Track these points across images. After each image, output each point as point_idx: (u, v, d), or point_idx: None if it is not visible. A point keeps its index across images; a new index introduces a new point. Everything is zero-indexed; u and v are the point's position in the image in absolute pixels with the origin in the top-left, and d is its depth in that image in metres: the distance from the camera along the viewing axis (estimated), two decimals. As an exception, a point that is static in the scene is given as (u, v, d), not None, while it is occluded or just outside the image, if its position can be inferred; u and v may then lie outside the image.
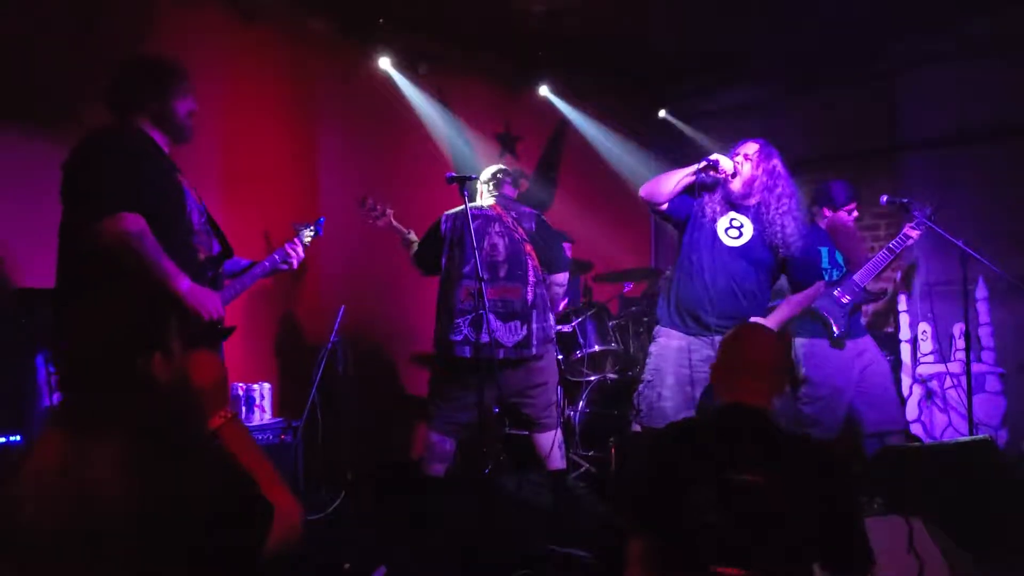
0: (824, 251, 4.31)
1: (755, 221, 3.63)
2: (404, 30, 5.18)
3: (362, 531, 3.91)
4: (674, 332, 3.66)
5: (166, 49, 4.07)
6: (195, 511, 1.44)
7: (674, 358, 3.60)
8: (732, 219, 3.64)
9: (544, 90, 6.24)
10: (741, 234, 3.62)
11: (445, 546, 3.62)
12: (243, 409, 3.96)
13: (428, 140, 5.61)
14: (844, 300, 4.15)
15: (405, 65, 5.39)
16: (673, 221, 3.77)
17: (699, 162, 3.59)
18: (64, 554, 1.39)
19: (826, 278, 4.22)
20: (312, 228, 3.59)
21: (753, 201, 3.64)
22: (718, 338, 3.63)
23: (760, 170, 3.61)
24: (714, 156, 3.58)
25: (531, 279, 3.96)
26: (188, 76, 2.99)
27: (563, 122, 6.45)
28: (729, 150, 3.70)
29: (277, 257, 3.37)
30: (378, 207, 4.29)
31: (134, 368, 1.53)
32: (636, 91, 6.42)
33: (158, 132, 2.91)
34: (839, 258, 4.32)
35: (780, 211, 3.60)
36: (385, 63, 5.31)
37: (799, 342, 4.23)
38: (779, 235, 3.59)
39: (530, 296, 3.94)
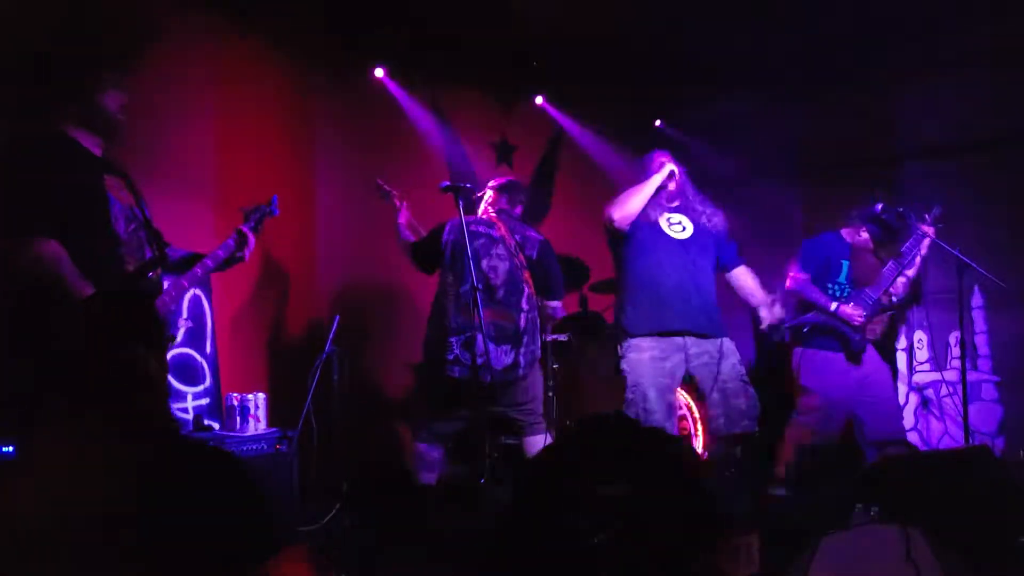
0: (845, 264, 4.30)
1: (687, 213, 3.90)
2: (400, 39, 5.18)
3: (358, 541, 3.88)
4: (644, 343, 3.73)
5: (162, 56, 4.14)
6: (189, 513, 1.41)
7: (650, 371, 3.71)
8: (669, 218, 3.88)
9: (540, 100, 6.26)
10: (684, 228, 3.88)
11: (441, 556, 3.60)
12: (238, 419, 3.93)
13: (424, 149, 5.61)
14: (859, 322, 4.13)
15: (399, 74, 5.39)
16: (623, 235, 3.89)
17: (660, 173, 3.86)
18: (57, 558, 1.37)
19: (839, 293, 4.22)
20: (265, 210, 3.26)
21: (679, 201, 3.92)
22: (690, 340, 3.72)
23: (682, 173, 3.95)
24: (670, 166, 3.87)
25: (524, 306, 3.95)
26: (119, 63, 2.76)
27: (559, 131, 6.46)
28: (647, 164, 3.98)
29: (224, 251, 3.01)
30: (389, 190, 4.32)
31: (124, 366, 1.51)
32: (632, 100, 6.42)
33: (84, 132, 2.69)
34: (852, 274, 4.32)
35: (700, 198, 3.99)
36: (380, 72, 5.32)
37: (798, 351, 4.24)
38: (708, 216, 3.93)
39: (522, 322, 3.94)
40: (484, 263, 3.93)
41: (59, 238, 2.54)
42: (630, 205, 3.81)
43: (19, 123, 2.78)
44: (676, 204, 3.92)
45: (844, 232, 4.39)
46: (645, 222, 3.84)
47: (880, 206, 4.36)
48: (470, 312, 3.77)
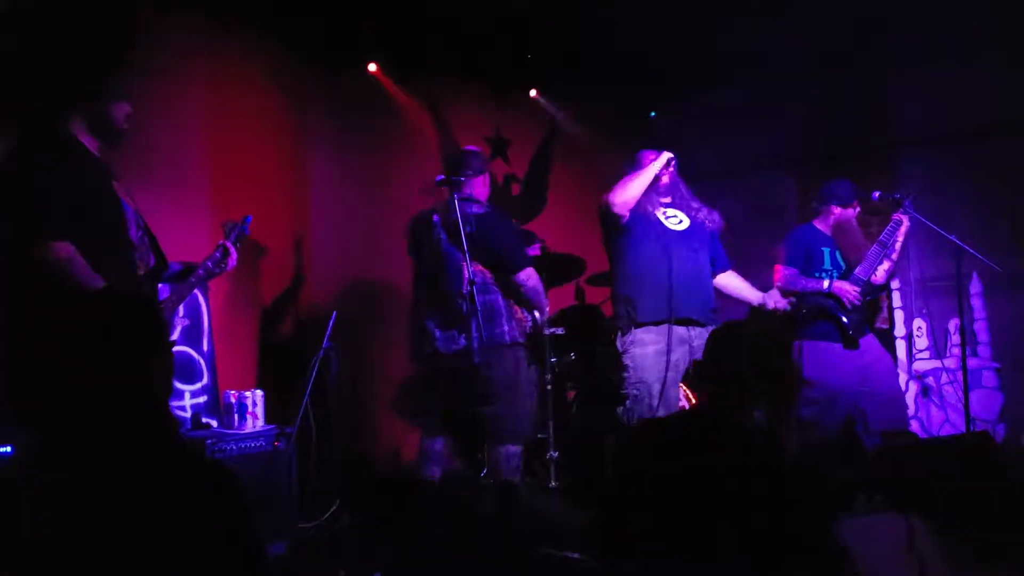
0: (826, 251, 4.33)
1: (681, 208, 3.90)
2: (393, 33, 5.16)
3: (356, 538, 3.87)
4: (648, 337, 3.69)
5: (155, 54, 4.11)
6: (181, 530, 1.40)
7: (655, 365, 3.67)
8: (665, 212, 3.87)
9: (534, 93, 6.24)
10: (681, 221, 3.87)
11: (440, 552, 3.59)
12: (236, 417, 3.91)
13: (418, 143, 5.59)
14: (853, 298, 4.14)
15: (393, 69, 5.37)
16: (621, 226, 3.84)
17: (659, 159, 3.84)
18: (48, 562, 1.35)
19: (827, 279, 4.23)
20: (240, 227, 3.32)
21: (672, 197, 3.93)
22: (694, 330, 3.69)
23: (673, 171, 3.95)
24: (667, 154, 3.87)
25: (464, 290, 3.65)
26: (127, 73, 2.78)
27: (554, 124, 6.44)
28: (637, 161, 3.95)
29: (212, 262, 3.12)
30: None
31: (132, 372, 1.50)
32: (627, 92, 6.40)
33: (91, 138, 2.69)
34: (839, 259, 4.33)
35: (693, 196, 3.99)
36: (374, 67, 5.30)
37: (798, 344, 4.23)
38: (704, 211, 3.94)
39: (464, 306, 3.67)
40: (426, 251, 3.90)
41: (73, 240, 2.53)
42: (630, 190, 3.77)
43: (29, 127, 2.76)
44: (670, 200, 3.92)
45: (816, 222, 4.44)
46: (642, 214, 3.82)
47: (877, 194, 4.37)
48: (422, 302, 3.89)
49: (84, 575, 1.35)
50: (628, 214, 3.80)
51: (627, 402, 3.70)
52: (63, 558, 1.36)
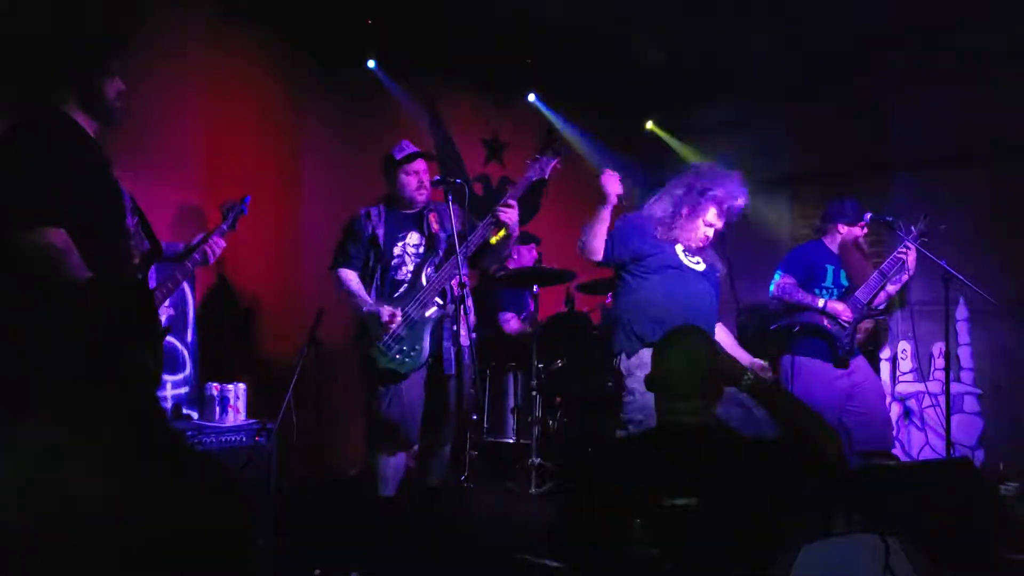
0: (830, 268, 4.34)
1: (701, 255, 3.80)
2: (392, 33, 5.16)
3: (335, 536, 3.85)
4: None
5: (154, 46, 4.10)
6: (172, 514, 1.39)
7: None
8: (685, 251, 3.76)
9: (532, 98, 6.24)
10: (699, 262, 3.78)
11: (418, 553, 3.57)
12: (217, 409, 3.89)
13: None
14: (847, 318, 4.15)
15: (392, 68, 5.37)
16: (616, 263, 3.80)
17: (607, 203, 3.75)
18: (40, 551, 1.33)
19: (826, 296, 4.25)
20: (238, 207, 3.31)
21: (698, 251, 3.81)
22: None
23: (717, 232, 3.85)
24: (612, 172, 3.78)
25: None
26: (119, 49, 2.67)
27: (551, 130, 6.44)
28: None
29: (199, 255, 3.12)
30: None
31: (125, 357, 1.49)
32: (624, 102, 6.41)
33: (85, 117, 2.58)
34: (842, 278, 4.34)
35: (712, 249, 3.89)
36: (372, 65, 5.30)
37: (787, 359, 4.24)
38: (716, 263, 3.86)
39: None
40: None
41: (70, 228, 2.43)
42: (590, 242, 3.78)
43: (21, 108, 2.69)
44: (695, 249, 3.82)
45: (825, 239, 4.44)
46: (660, 254, 3.72)
47: (868, 215, 4.39)
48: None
49: (76, 564, 1.34)
50: (604, 256, 3.76)
51: (629, 427, 3.48)
52: (54, 545, 1.34)
